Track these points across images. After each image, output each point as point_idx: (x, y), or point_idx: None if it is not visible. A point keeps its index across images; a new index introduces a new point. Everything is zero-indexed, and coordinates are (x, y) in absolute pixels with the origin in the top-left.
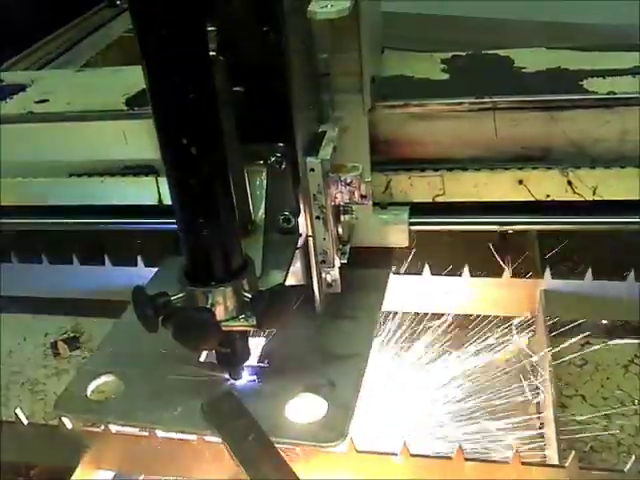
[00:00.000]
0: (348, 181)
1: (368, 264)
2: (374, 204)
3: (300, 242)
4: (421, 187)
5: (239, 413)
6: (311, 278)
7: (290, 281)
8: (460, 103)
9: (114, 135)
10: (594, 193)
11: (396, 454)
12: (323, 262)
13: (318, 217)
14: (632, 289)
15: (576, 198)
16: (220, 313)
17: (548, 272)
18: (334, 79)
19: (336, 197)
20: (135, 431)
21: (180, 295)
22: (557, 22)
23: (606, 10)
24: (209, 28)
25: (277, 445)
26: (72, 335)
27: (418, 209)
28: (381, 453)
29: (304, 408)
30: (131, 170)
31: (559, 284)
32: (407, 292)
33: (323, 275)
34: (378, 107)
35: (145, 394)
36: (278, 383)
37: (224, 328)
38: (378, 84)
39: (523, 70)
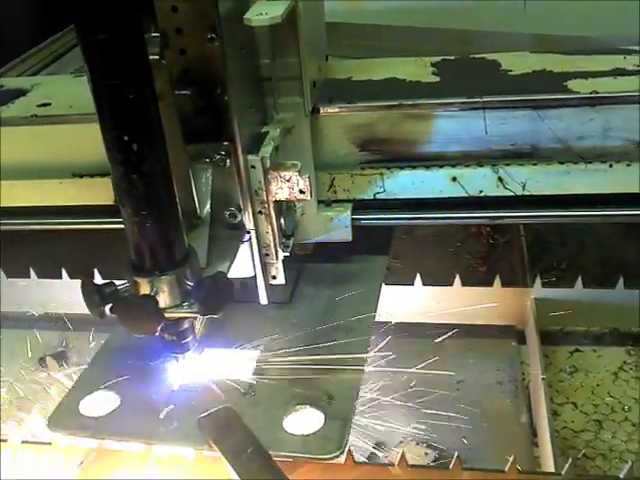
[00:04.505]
0: (287, 177)
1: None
2: (319, 202)
3: (247, 236)
4: (363, 185)
5: (236, 426)
6: (255, 270)
7: None
8: (452, 103)
9: None
10: (524, 188)
11: (393, 464)
12: (266, 255)
13: (260, 212)
14: None
15: (507, 194)
16: (163, 300)
17: (539, 281)
18: (276, 83)
19: (277, 193)
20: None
21: (126, 284)
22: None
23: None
24: (153, 34)
25: (275, 458)
26: (60, 350)
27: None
28: (379, 464)
29: (301, 421)
30: None
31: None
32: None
33: (267, 267)
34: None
35: (140, 409)
36: (275, 396)
37: (168, 315)
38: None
39: (510, 72)
